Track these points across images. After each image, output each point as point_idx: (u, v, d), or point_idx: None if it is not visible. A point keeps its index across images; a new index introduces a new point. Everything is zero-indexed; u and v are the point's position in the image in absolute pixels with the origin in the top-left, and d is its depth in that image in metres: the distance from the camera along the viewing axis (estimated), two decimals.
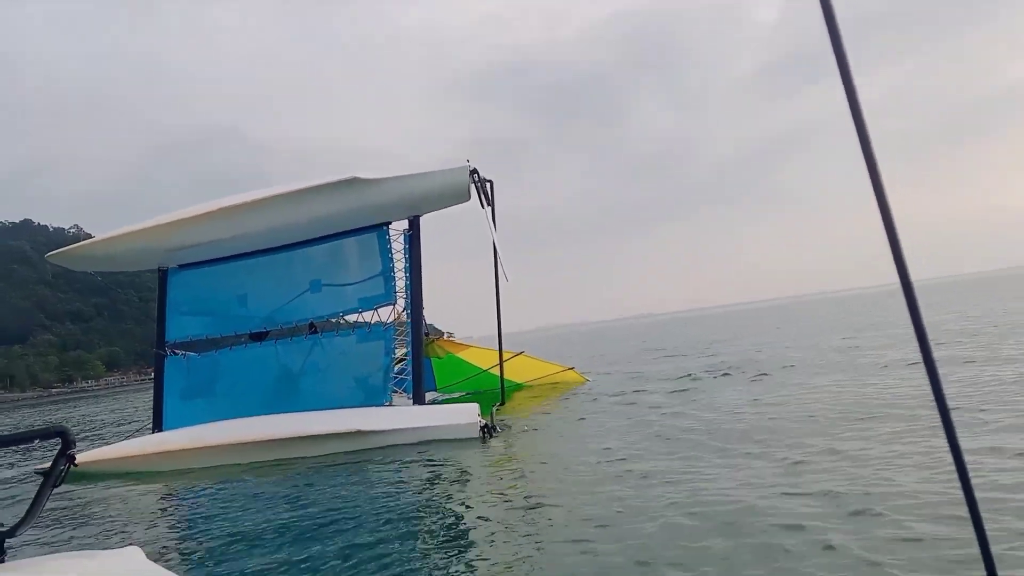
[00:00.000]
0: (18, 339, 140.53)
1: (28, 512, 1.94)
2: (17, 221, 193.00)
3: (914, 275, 1.40)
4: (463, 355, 13.41)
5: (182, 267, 10.69)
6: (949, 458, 1.49)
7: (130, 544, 1.91)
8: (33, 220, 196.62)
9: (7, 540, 1.82)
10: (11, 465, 10.51)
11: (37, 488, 1.89)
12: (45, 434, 1.95)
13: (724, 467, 5.46)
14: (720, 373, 12.78)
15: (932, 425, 5.84)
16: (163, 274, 10.75)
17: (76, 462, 1.94)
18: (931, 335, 1.45)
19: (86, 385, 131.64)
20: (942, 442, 3.82)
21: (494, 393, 11.47)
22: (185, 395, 10.48)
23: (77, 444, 1.96)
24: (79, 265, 11.23)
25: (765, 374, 11.71)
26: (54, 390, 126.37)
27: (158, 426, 10.37)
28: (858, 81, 1.28)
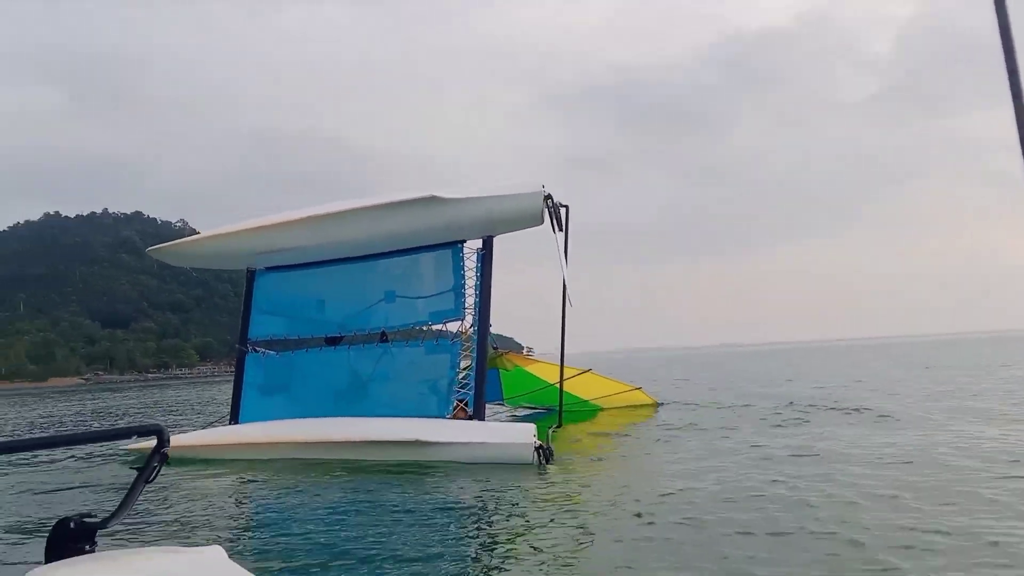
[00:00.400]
0: (121, 324, 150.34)
1: (121, 505, 2.00)
2: (129, 213, 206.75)
3: None
4: (531, 369, 13.62)
5: (268, 269, 11.28)
6: None
7: (214, 544, 1.92)
8: (144, 212, 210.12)
9: (99, 530, 1.87)
10: (103, 455, 11.26)
11: (131, 482, 1.94)
12: (142, 431, 2.01)
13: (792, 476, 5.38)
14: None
15: None
16: (251, 275, 11.37)
17: (169, 460, 1.98)
18: None
19: (179, 372, 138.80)
20: None
21: (566, 411, 11.50)
22: (262, 391, 11.05)
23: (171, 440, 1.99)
24: (175, 260, 12.04)
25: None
26: (150, 375, 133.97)
27: (235, 418, 10.96)
28: None
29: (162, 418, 21.21)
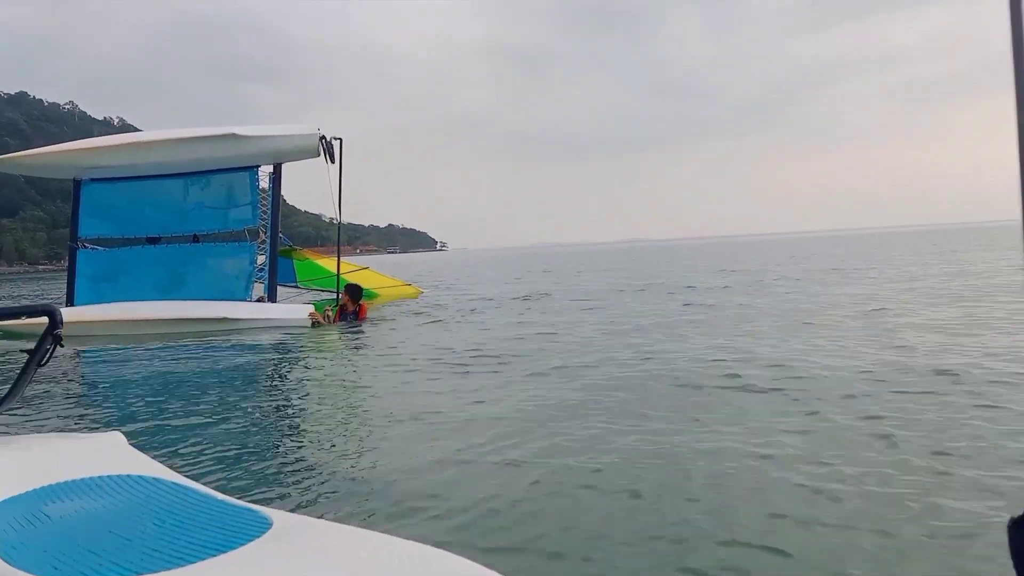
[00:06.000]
0: (8, 213, 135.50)
1: (11, 389, 1.98)
2: (13, 93, 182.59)
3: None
4: (319, 261, 16.98)
5: (93, 180, 13.70)
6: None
7: (113, 430, 1.94)
8: (29, 93, 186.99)
9: None
10: None
11: (22, 366, 1.94)
12: (32, 311, 2.01)
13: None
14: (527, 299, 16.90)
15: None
16: (76, 184, 13.72)
17: (62, 341, 1.99)
18: None
19: None
20: None
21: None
22: (93, 280, 13.63)
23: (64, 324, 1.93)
24: (11, 170, 14.14)
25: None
26: (41, 266, 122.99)
27: (70, 302, 13.61)
28: None
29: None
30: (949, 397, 5.11)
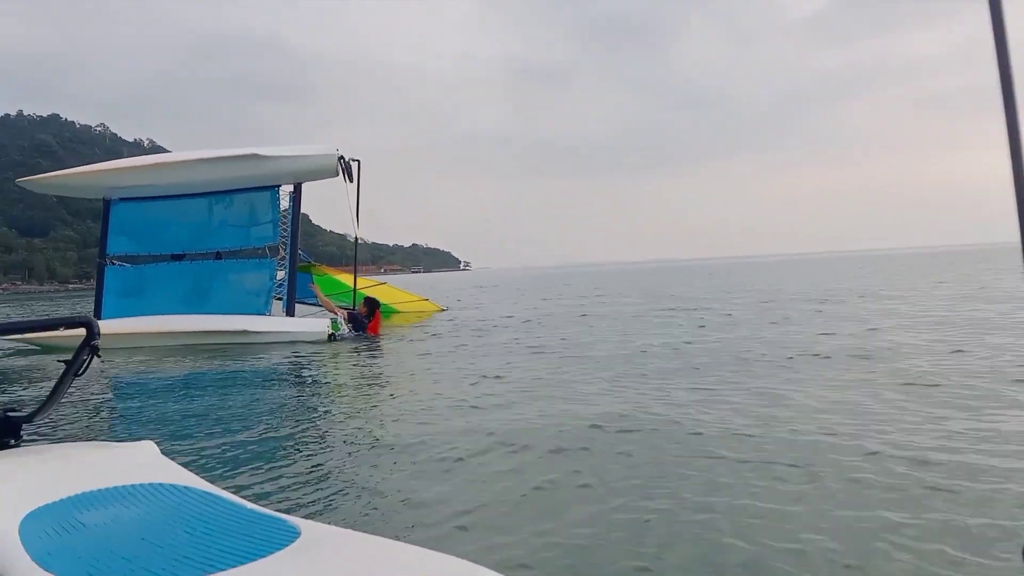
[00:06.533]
0: (40, 233, 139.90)
1: (48, 399, 1.99)
2: (45, 115, 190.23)
3: None
4: (336, 276, 17.42)
5: (122, 200, 14.25)
6: None
7: (145, 439, 1.94)
8: (61, 115, 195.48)
9: (25, 424, 1.87)
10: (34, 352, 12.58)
11: (59, 376, 1.96)
12: (70, 323, 2.03)
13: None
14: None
15: None
16: (106, 203, 14.28)
17: (99, 353, 1.98)
18: None
19: None
20: None
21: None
22: (119, 295, 14.11)
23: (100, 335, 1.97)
24: (41, 190, 14.74)
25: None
26: (71, 285, 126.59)
27: (97, 316, 14.11)
28: None
29: None
30: None
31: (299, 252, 14.07)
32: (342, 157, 13.38)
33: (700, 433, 4.84)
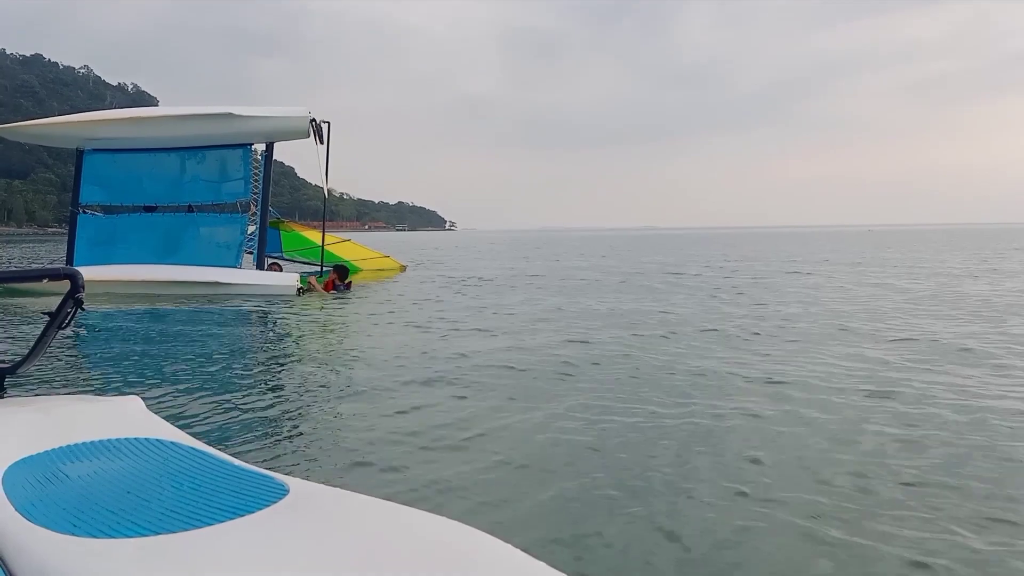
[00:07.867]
0: (20, 175, 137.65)
1: (31, 351, 1.98)
2: (28, 55, 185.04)
3: None
4: (305, 233, 17.77)
5: (95, 150, 14.49)
6: None
7: (131, 395, 1.91)
8: (44, 56, 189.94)
9: (8, 377, 1.87)
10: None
11: (42, 328, 1.92)
12: (54, 274, 1.97)
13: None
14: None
15: None
16: (79, 153, 14.51)
17: (84, 305, 1.95)
18: None
19: None
20: None
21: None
22: (92, 243, 14.40)
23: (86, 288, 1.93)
24: (14, 138, 14.94)
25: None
26: (50, 229, 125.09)
27: (69, 263, 14.43)
28: None
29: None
30: None
31: (269, 208, 14.42)
32: (314, 119, 13.70)
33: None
